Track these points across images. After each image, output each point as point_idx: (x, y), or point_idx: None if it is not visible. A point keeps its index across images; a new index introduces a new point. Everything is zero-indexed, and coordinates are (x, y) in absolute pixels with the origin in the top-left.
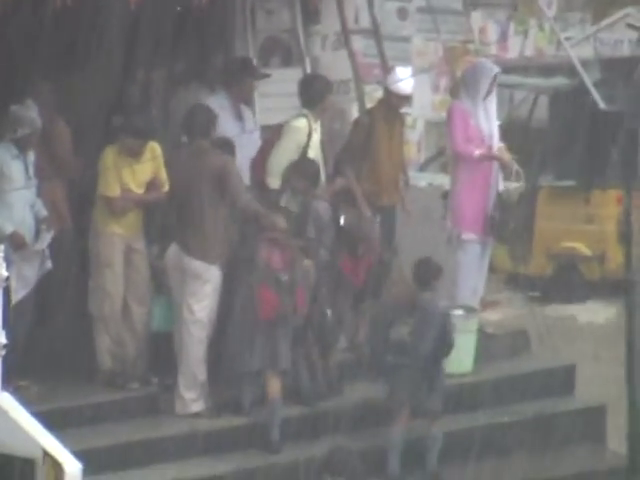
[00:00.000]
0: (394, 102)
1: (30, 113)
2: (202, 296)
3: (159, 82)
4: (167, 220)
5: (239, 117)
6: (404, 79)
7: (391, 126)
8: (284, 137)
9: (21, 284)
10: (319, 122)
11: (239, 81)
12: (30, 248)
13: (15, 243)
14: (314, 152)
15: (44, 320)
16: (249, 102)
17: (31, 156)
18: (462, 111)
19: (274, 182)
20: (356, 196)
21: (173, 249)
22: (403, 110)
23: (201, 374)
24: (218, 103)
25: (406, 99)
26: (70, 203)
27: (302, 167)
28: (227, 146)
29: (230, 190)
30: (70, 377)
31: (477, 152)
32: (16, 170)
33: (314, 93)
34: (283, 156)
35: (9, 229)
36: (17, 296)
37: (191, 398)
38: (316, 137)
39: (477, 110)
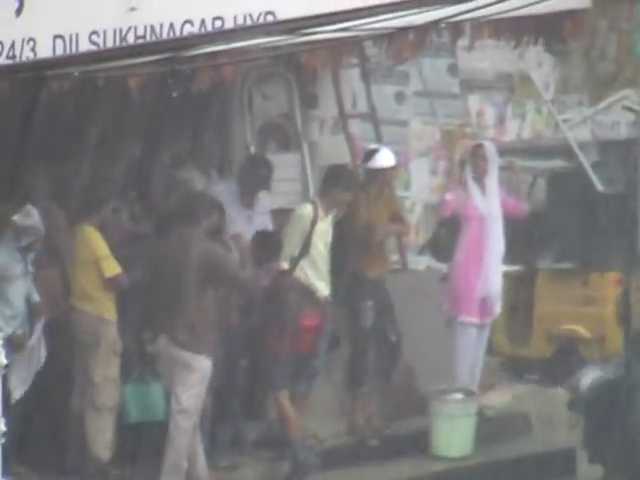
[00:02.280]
0: (381, 178)
1: (33, 221)
2: (189, 385)
3: (157, 166)
4: (156, 308)
5: (248, 205)
6: (383, 154)
7: (380, 203)
8: (288, 223)
9: (19, 382)
10: (331, 214)
11: (253, 177)
12: (27, 345)
13: (15, 344)
14: (321, 241)
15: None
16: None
17: (32, 255)
18: (457, 192)
19: (283, 267)
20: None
21: (162, 339)
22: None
23: (185, 464)
24: (228, 189)
25: (391, 171)
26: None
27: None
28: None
29: (224, 275)
30: (60, 466)
31: (448, 196)
32: (17, 271)
33: (326, 184)
34: (287, 242)
35: (8, 330)
36: (16, 394)
37: None
38: (323, 226)
39: (474, 193)
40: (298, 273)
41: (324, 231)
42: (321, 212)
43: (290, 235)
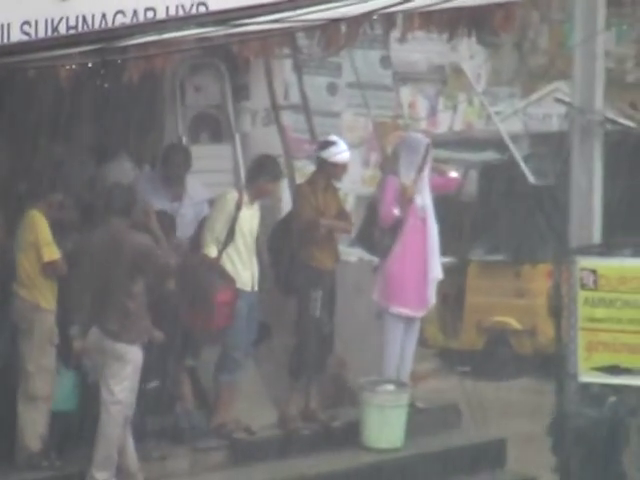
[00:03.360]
0: (332, 171)
1: None
2: (122, 377)
3: (86, 156)
4: (86, 300)
5: (173, 197)
6: (340, 149)
7: (328, 195)
8: (213, 207)
9: None
10: (256, 203)
11: (176, 166)
12: None
13: None
14: (246, 228)
15: None
16: (182, 185)
17: None
18: (393, 185)
19: (211, 251)
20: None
21: (94, 331)
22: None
23: (116, 455)
24: (151, 183)
25: (344, 168)
26: None
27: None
28: (166, 220)
29: (153, 267)
30: None
31: (395, 211)
32: None
33: (252, 172)
34: (213, 226)
35: None
36: None
37: (104, 479)
38: (248, 213)
39: (412, 184)
40: (224, 259)
41: (249, 218)
42: (246, 199)
43: (215, 219)
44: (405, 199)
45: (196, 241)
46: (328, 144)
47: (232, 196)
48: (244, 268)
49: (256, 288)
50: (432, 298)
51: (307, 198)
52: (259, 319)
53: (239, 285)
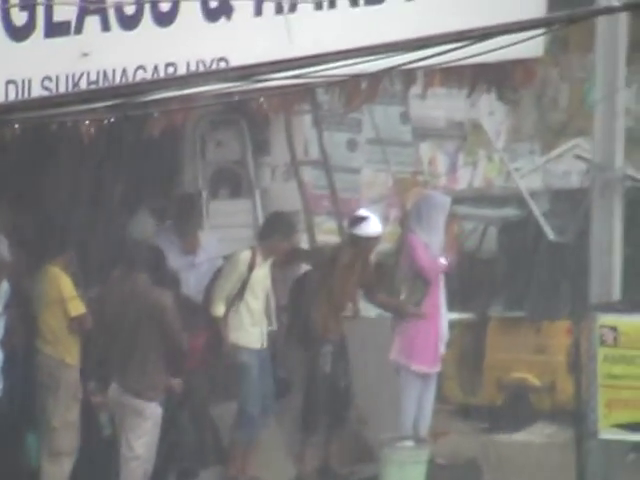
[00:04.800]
0: (364, 245)
1: None
2: (142, 432)
3: (109, 212)
4: (106, 356)
5: (188, 251)
6: (373, 222)
7: (353, 268)
8: (225, 267)
9: None
10: (269, 260)
11: (188, 217)
12: None
13: None
14: (259, 286)
15: None
16: (195, 237)
17: (3, 288)
18: (422, 242)
19: (218, 310)
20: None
21: (113, 387)
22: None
23: None
24: (167, 237)
25: (377, 240)
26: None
27: None
28: (171, 281)
29: (166, 327)
30: None
31: (442, 260)
32: None
33: (266, 230)
34: (224, 285)
35: None
36: None
37: None
38: (261, 273)
39: (433, 243)
40: (232, 317)
41: (262, 277)
42: (259, 258)
43: (226, 278)
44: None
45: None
46: (360, 220)
47: (245, 256)
48: (253, 325)
49: (265, 344)
50: (443, 352)
51: (331, 266)
52: (280, 375)
53: (247, 343)
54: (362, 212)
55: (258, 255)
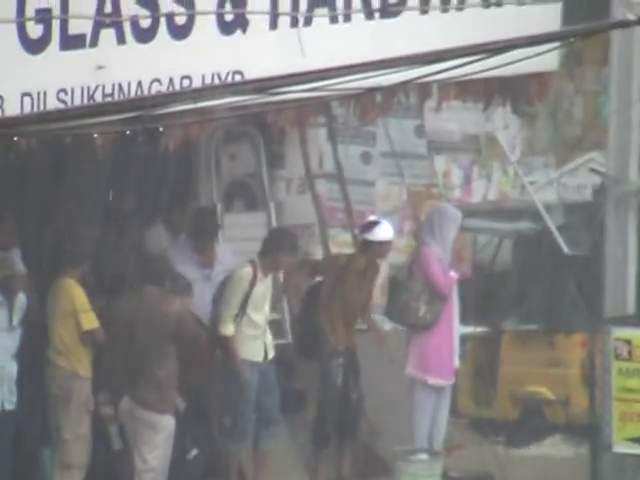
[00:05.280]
0: (377, 250)
1: (12, 256)
2: (155, 445)
3: (124, 225)
4: (118, 368)
5: (204, 264)
6: (384, 227)
7: (365, 275)
8: (228, 284)
9: None
10: (271, 275)
11: (206, 231)
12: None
13: None
14: (260, 301)
15: None
16: (212, 251)
17: (20, 301)
18: (436, 256)
19: (227, 329)
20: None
21: (125, 400)
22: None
23: None
24: (182, 250)
25: (389, 245)
26: None
27: None
28: (183, 292)
29: (184, 333)
30: None
31: (453, 274)
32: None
33: (267, 245)
34: (229, 302)
35: None
36: None
37: None
38: (262, 287)
39: (445, 255)
40: (236, 334)
41: (263, 291)
42: (260, 273)
43: (229, 297)
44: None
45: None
46: (372, 225)
47: (247, 272)
48: (255, 339)
49: (270, 357)
50: (457, 363)
51: (345, 274)
52: (295, 387)
53: (248, 357)
54: (374, 217)
55: (259, 270)
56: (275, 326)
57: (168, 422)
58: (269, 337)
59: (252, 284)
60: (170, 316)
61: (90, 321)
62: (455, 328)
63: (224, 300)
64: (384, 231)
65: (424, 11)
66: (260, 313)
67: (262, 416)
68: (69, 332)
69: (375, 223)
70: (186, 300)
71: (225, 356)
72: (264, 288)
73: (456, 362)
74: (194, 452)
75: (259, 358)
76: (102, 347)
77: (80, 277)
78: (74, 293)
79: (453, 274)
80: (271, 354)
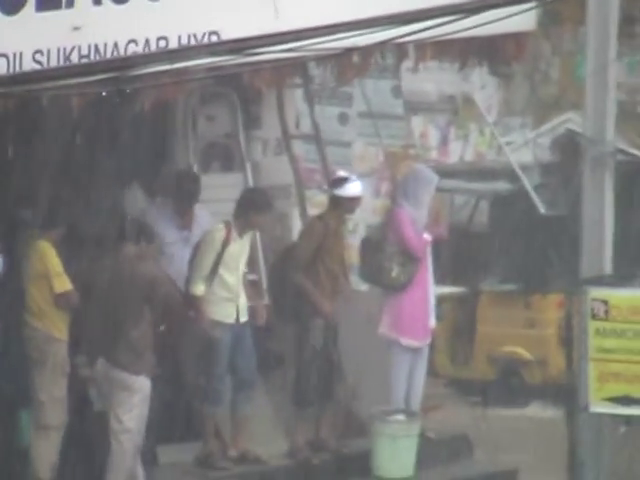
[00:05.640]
0: (346, 206)
1: None
2: (131, 406)
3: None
4: (93, 330)
5: (183, 226)
6: (353, 183)
7: (338, 232)
8: (201, 245)
9: None
10: (247, 236)
11: (186, 194)
12: None
13: None
14: (234, 262)
15: None
16: (191, 213)
17: None
18: (409, 217)
19: (197, 289)
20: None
21: (101, 361)
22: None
23: None
24: (160, 212)
25: (358, 201)
26: None
27: None
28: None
29: (161, 295)
30: None
31: (427, 236)
32: None
33: (241, 206)
34: (201, 263)
35: None
36: None
37: None
38: (236, 247)
39: (419, 218)
40: (207, 292)
41: (237, 252)
42: (234, 233)
43: (201, 256)
44: (433, 228)
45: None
46: (341, 181)
47: (219, 232)
48: (228, 300)
49: (242, 319)
50: (433, 324)
51: (314, 237)
52: (271, 348)
53: (220, 318)
54: (342, 173)
55: (233, 230)
56: (251, 287)
57: (143, 383)
58: (242, 300)
59: (225, 244)
60: (144, 277)
61: (62, 284)
62: (430, 290)
63: (196, 260)
64: (353, 187)
65: None
66: (233, 275)
67: (237, 378)
68: (43, 295)
69: (344, 179)
70: (161, 261)
71: (195, 316)
72: (239, 248)
73: (432, 323)
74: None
75: (231, 320)
76: (78, 309)
77: (55, 240)
78: (47, 256)
79: (426, 236)
80: (244, 317)
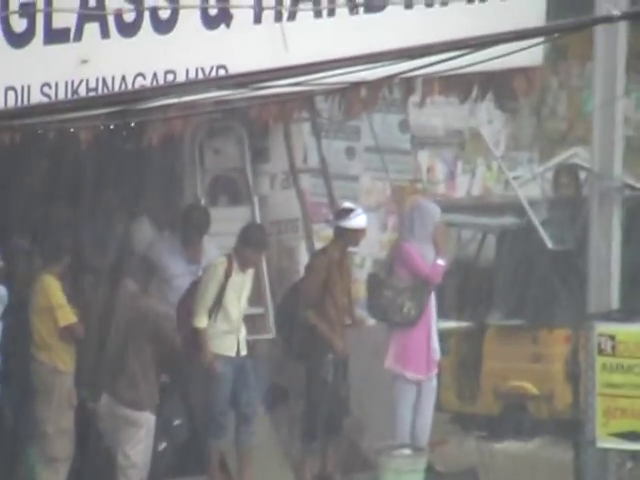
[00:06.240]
0: (350, 237)
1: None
2: (136, 441)
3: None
4: (97, 365)
5: (192, 260)
6: (358, 215)
7: (343, 265)
8: (203, 277)
9: None
10: (249, 270)
11: (195, 227)
12: None
13: None
14: (235, 294)
15: None
16: (200, 247)
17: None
18: (417, 251)
19: (201, 322)
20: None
21: (105, 397)
22: (353, 249)
23: None
24: (168, 245)
25: (363, 233)
26: None
27: None
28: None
29: (161, 332)
30: None
31: (441, 262)
32: None
33: (239, 241)
34: (204, 295)
35: None
36: None
37: None
38: (239, 280)
39: (426, 251)
40: (210, 325)
41: (239, 284)
42: (236, 266)
43: (204, 288)
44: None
45: (182, 309)
46: (346, 212)
47: (221, 263)
48: (229, 333)
49: (243, 353)
50: (437, 357)
51: (320, 270)
52: (277, 382)
53: (221, 350)
54: (347, 204)
55: (234, 262)
56: (258, 321)
57: (148, 418)
58: (243, 333)
59: (227, 275)
60: (147, 313)
61: (67, 317)
62: (433, 322)
63: (199, 291)
64: (358, 219)
65: (408, 5)
66: (235, 307)
67: (240, 412)
68: (47, 328)
69: (349, 210)
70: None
71: (197, 349)
72: (240, 281)
73: (436, 355)
74: (163, 445)
75: (232, 353)
76: (83, 343)
77: (60, 273)
78: (51, 289)
79: (440, 262)
80: (244, 350)
